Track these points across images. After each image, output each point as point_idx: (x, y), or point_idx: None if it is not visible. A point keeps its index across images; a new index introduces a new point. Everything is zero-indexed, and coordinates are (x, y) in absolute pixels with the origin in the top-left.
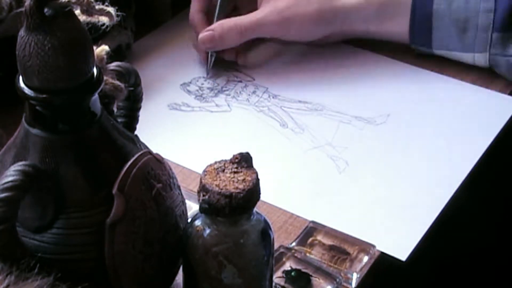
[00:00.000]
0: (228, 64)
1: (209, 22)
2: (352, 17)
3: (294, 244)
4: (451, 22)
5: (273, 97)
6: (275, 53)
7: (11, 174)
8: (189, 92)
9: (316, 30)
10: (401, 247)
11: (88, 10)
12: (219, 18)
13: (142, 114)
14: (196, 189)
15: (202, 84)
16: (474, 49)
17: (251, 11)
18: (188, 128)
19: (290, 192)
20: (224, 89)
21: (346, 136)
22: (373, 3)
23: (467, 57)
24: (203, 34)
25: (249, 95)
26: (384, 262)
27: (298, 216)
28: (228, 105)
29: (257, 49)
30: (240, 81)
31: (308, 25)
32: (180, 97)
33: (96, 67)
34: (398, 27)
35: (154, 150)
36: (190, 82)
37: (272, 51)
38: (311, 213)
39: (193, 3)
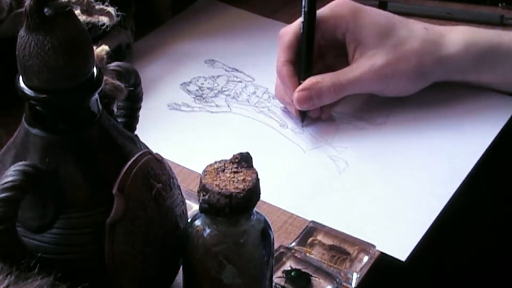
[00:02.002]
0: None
1: (296, 72)
2: (451, 68)
3: (294, 244)
4: None
5: (273, 98)
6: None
7: (11, 174)
8: (189, 92)
9: (415, 86)
10: (401, 247)
11: (88, 10)
12: (306, 70)
13: (142, 114)
14: (196, 189)
15: (202, 84)
16: None
17: (340, 62)
18: (188, 128)
19: (290, 192)
20: (224, 89)
21: (346, 136)
22: (471, 52)
23: None
24: (299, 94)
25: (249, 95)
26: (384, 262)
27: (298, 216)
28: (228, 106)
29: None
30: (240, 82)
31: (407, 82)
32: (180, 97)
33: (96, 67)
34: (498, 78)
35: (154, 150)
36: (190, 82)
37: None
38: (311, 213)
39: (281, 53)
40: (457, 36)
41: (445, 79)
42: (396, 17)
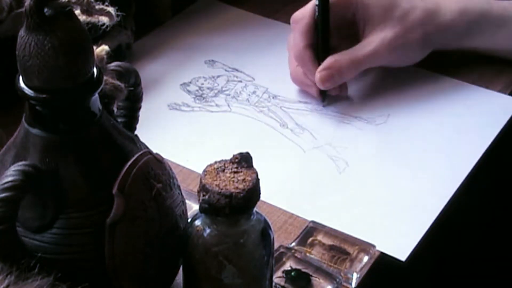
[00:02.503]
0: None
1: (316, 55)
2: (448, 34)
3: (294, 244)
4: None
5: (273, 97)
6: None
7: (11, 174)
8: (189, 92)
9: (422, 53)
10: (401, 247)
11: (88, 10)
12: (324, 51)
13: (142, 114)
14: (196, 189)
15: (202, 84)
16: None
17: (345, 43)
18: (188, 128)
19: (290, 192)
20: (224, 89)
21: (346, 136)
22: (464, 18)
23: None
24: (321, 74)
25: (249, 95)
26: (384, 262)
27: (298, 216)
28: (228, 105)
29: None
30: (240, 81)
31: (414, 50)
32: (180, 97)
33: (96, 67)
34: (488, 43)
35: (154, 150)
36: (190, 82)
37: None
38: (311, 213)
39: (300, 38)
40: (451, 4)
41: (443, 47)
42: None
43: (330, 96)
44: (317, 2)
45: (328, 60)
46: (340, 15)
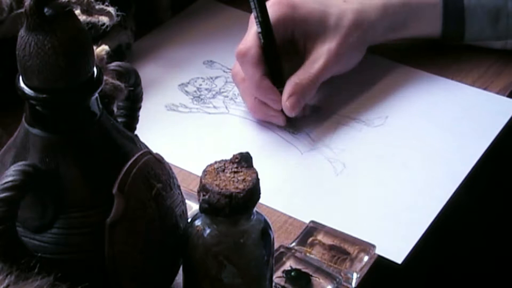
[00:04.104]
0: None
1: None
2: (376, 31)
3: (294, 244)
4: (483, 14)
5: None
6: (330, 81)
7: (11, 174)
8: (187, 93)
9: (361, 54)
10: (397, 249)
11: (88, 10)
12: (280, 77)
13: (140, 114)
14: (196, 189)
15: (200, 85)
16: (507, 36)
17: (293, 60)
18: (186, 130)
19: (287, 194)
20: (222, 90)
21: (344, 138)
22: (389, 13)
23: (498, 44)
24: (289, 101)
25: None
26: (384, 262)
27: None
28: (226, 107)
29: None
30: None
31: (356, 54)
32: (178, 98)
33: (96, 67)
34: (411, 32)
35: (152, 150)
36: (188, 83)
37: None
38: (307, 215)
39: (253, 70)
40: (373, 1)
41: (372, 43)
42: None
43: (326, 98)
44: (259, 30)
45: (290, 86)
46: (280, 35)
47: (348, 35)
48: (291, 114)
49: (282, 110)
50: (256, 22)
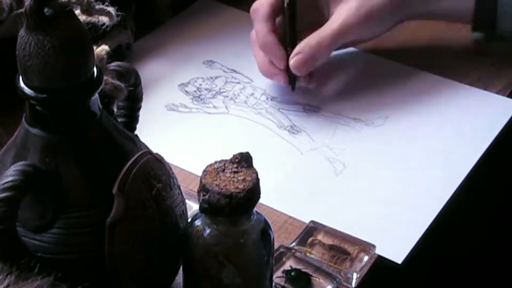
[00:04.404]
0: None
1: (280, 41)
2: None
3: (294, 244)
4: None
5: (271, 99)
6: (330, 81)
7: (11, 174)
8: (187, 93)
9: (390, 21)
10: (397, 249)
11: (88, 10)
12: (293, 35)
13: (140, 114)
14: (196, 189)
15: (200, 85)
16: None
17: (318, 23)
18: (186, 130)
19: (287, 194)
20: (222, 90)
21: (344, 138)
22: None
23: None
24: (295, 59)
25: (247, 97)
26: (384, 262)
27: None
28: (226, 107)
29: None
30: (238, 83)
31: (383, 17)
32: (178, 98)
33: (96, 67)
34: (454, 5)
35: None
36: (188, 83)
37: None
38: (307, 215)
39: (261, 24)
40: None
41: (412, 13)
42: None
43: (326, 98)
44: None
45: (299, 45)
46: (305, 3)
47: None
48: (296, 72)
49: (286, 70)
50: None
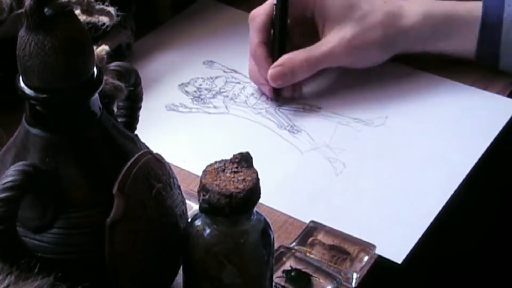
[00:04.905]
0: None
1: (270, 53)
2: (411, 38)
3: (294, 244)
4: None
5: (271, 99)
6: (330, 81)
7: (11, 174)
8: (187, 93)
9: (383, 55)
10: (397, 249)
11: (88, 10)
12: (280, 50)
13: (140, 114)
14: (196, 189)
15: (200, 85)
16: None
17: (306, 41)
18: (186, 130)
19: (287, 194)
20: (222, 90)
21: (344, 138)
22: (429, 22)
23: None
24: (273, 70)
25: (247, 97)
26: (384, 262)
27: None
28: (226, 107)
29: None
30: (238, 83)
31: (374, 53)
32: (178, 98)
33: (96, 67)
34: (453, 46)
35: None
36: (188, 83)
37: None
38: (307, 216)
39: (254, 35)
40: (415, 7)
41: (407, 50)
42: None
43: (326, 98)
44: (275, 2)
45: (282, 58)
46: (299, 13)
47: (368, 31)
48: (271, 83)
49: None
50: None
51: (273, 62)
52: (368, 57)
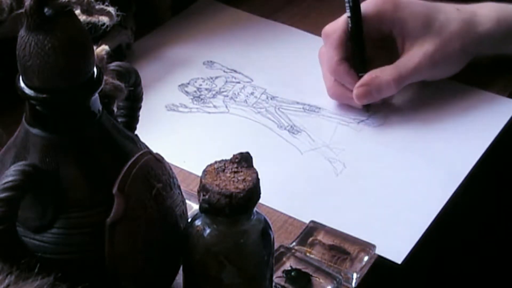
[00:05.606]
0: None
1: (351, 68)
2: (486, 43)
3: (294, 244)
4: None
5: (271, 99)
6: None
7: (11, 174)
8: (187, 93)
9: (461, 64)
10: (397, 250)
11: (88, 10)
12: (362, 65)
13: (140, 114)
14: (196, 189)
15: (200, 85)
16: None
17: (387, 53)
18: (186, 130)
19: (287, 194)
20: (222, 90)
21: (344, 137)
22: (502, 26)
23: None
24: (359, 90)
25: (247, 96)
26: (383, 262)
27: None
28: (226, 107)
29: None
30: (238, 82)
31: (454, 63)
32: (178, 98)
33: (96, 67)
34: None
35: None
36: (188, 83)
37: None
38: (307, 216)
39: (333, 52)
40: (488, 13)
41: (480, 55)
42: (429, 3)
43: (326, 98)
44: (349, 14)
45: (368, 76)
46: (375, 29)
47: (449, 43)
48: (357, 101)
49: None
50: (347, 6)
51: (357, 75)
52: (448, 68)
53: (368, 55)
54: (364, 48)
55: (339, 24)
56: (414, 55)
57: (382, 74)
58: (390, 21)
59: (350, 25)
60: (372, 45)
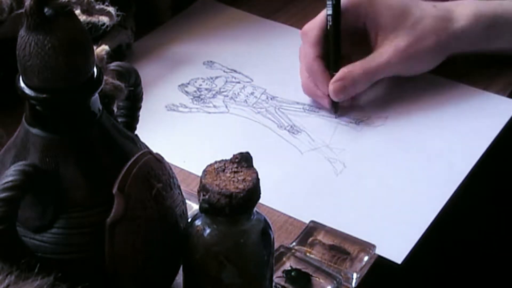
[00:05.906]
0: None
1: (327, 66)
2: (463, 40)
3: (294, 243)
4: None
5: (271, 99)
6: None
7: (11, 174)
8: (187, 93)
9: (436, 61)
10: (397, 250)
11: (88, 10)
12: (337, 63)
13: (140, 114)
14: (196, 189)
15: (200, 85)
16: None
17: (356, 50)
18: (186, 130)
19: (287, 194)
20: (222, 90)
21: (344, 137)
22: (480, 23)
23: None
24: (334, 85)
25: (247, 96)
26: (383, 262)
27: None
28: (226, 106)
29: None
30: (238, 82)
31: (428, 59)
32: (178, 98)
33: (96, 67)
34: (506, 44)
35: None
36: (188, 84)
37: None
38: (307, 216)
39: (309, 49)
40: (465, 10)
41: (458, 52)
42: None
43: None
44: (330, 13)
45: (341, 72)
46: (350, 24)
47: (422, 38)
48: (333, 97)
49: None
50: (328, 4)
51: (330, 74)
52: (422, 64)
53: (344, 51)
54: (339, 46)
55: (317, 22)
56: (385, 50)
57: (354, 68)
58: (364, 14)
59: (330, 23)
60: (348, 41)
